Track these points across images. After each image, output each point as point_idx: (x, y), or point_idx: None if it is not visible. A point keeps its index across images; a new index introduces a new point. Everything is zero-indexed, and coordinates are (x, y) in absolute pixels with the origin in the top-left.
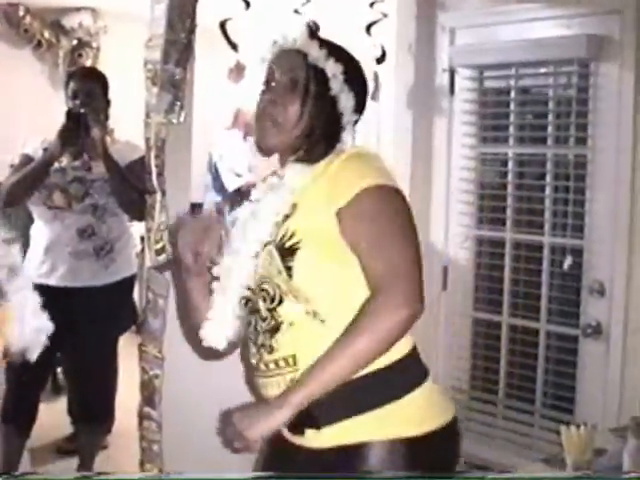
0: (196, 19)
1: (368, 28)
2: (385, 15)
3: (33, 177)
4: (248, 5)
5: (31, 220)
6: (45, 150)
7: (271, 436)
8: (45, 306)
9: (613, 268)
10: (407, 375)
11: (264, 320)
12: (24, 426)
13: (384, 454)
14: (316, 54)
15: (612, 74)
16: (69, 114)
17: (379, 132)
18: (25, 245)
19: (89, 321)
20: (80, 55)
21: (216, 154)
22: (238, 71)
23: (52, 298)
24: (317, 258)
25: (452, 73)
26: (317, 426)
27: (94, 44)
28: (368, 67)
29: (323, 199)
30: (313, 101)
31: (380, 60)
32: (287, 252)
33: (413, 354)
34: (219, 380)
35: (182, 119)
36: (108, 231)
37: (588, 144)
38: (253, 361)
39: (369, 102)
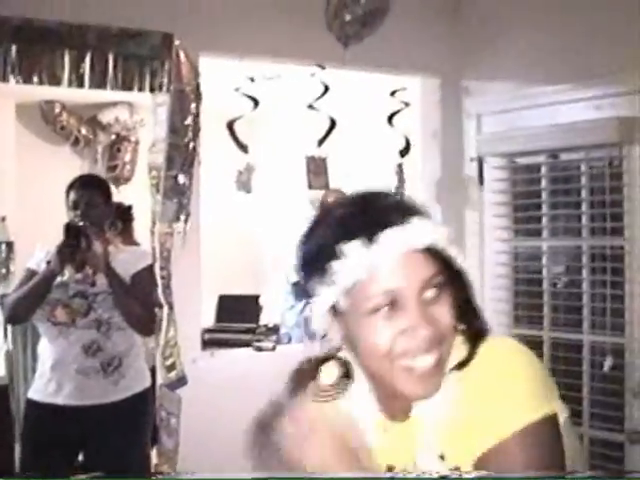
0: (200, 122)
1: (390, 119)
2: (407, 104)
3: (34, 294)
4: (257, 104)
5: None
6: (48, 263)
7: None
8: (55, 426)
9: None
10: None
11: None
12: None
13: None
14: (441, 239)
15: None
16: (68, 228)
17: None
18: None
19: (102, 440)
20: (119, 150)
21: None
22: (248, 173)
23: (61, 418)
24: None
25: (481, 162)
26: None
27: (132, 138)
28: (392, 160)
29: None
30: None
31: (404, 152)
32: None
33: None
34: None
35: (188, 228)
36: (115, 346)
37: (625, 234)
38: None
39: None
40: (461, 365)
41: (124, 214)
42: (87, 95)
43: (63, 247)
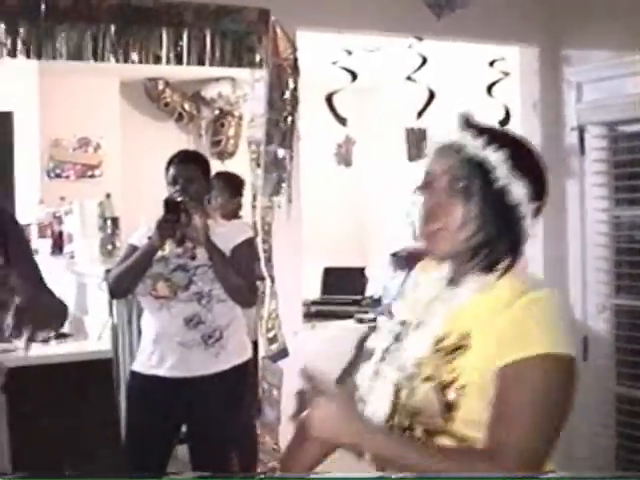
0: (298, 96)
1: (489, 89)
2: (507, 74)
3: (135, 269)
4: (355, 77)
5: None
6: (149, 239)
7: None
8: (157, 398)
9: None
10: None
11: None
12: None
13: None
14: (472, 144)
15: None
16: (167, 204)
17: None
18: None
19: (206, 410)
20: (222, 125)
21: None
22: (347, 146)
23: (165, 389)
24: (478, 404)
25: (581, 132)
26: None
27: (236, 113)
28: None
29: (495, 345)
30: (477, 198)
31: (504, 122)
32: (450, 392)
33: None
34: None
35: (289, 201)
36: (216, 318)
37: None
38: None
39: None
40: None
41: (232, 185)
42: (190, 71)
43: (163, 222)
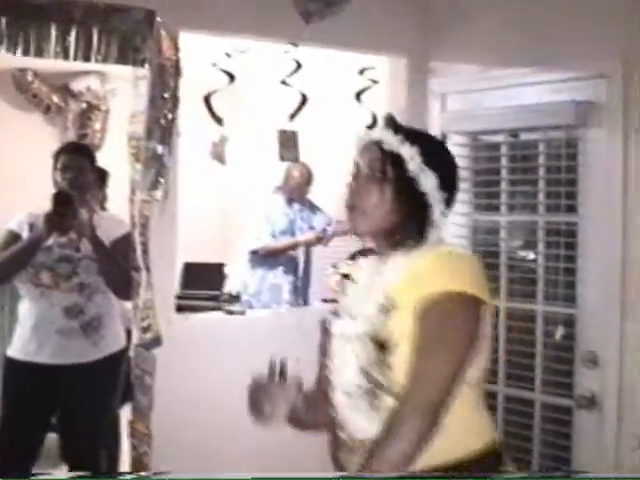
0: (179, 95)
1: (358, 95)
2: (375, 82)
3: (20, 257)
4: (232, 78)
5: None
6: (31, 227)
7: None
8: (33, 382)
9: (606, 338)
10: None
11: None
12: None
13: None
14: (390, 140)
15: (600, 140)
16: (56, 197)
17: None
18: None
19: (80, 396)
20: (89, 118)
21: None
22: (222, 145)
23: (40, 376)
24: (410, 354)
25: (444, 139)
26: None
27: (103, 107)
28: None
29: (414, 298)
30: (392, 185)
31: (371, 127)
32: (386, 349)
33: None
34: (210, 461)
35: (166, 196)
36: (95, 308)
37: (578, 212)
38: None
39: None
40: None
41: (103, 180)
42: (59, 64)
43: (52, 214)
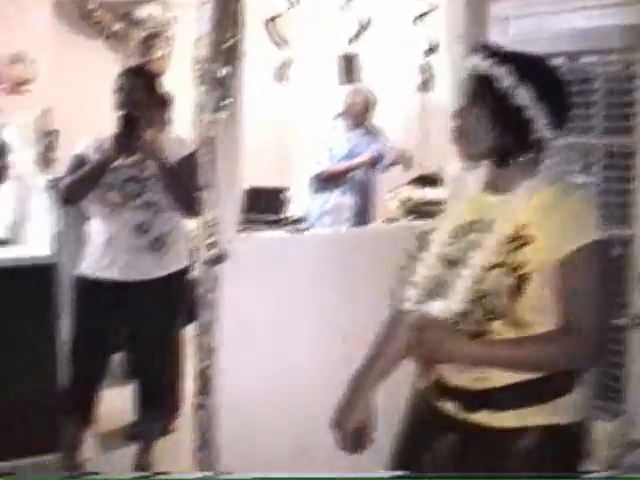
0: (244, 17)
1: (417, 20)
2: (435, 6)
3: (90, 179)
4: (294, 3)
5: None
6: (99, 151)
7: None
8: (103, 299)
9: None
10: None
11: (470, 324)
12: (82, 417)
13: (538, 436)
14: (485, 65)
15: None
16: (122, 118)
17: (428, 125)
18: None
19: (146, 313)
20: (152, 45)
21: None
22: (285, 68)
23: (110, 292)
24: (538, 292)
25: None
26: (495, 409)
27: (165, 34)
28: (419, 59)
29: (554, 238)
30: (490, 106)
31: (429, 52)
32: (518, 278)
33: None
34: (273, 373)
35: (231, 117)
36: (162, 226)
37: (635, 135)
38: None
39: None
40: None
41: (167, 104)
42: None
43: (119, 136)
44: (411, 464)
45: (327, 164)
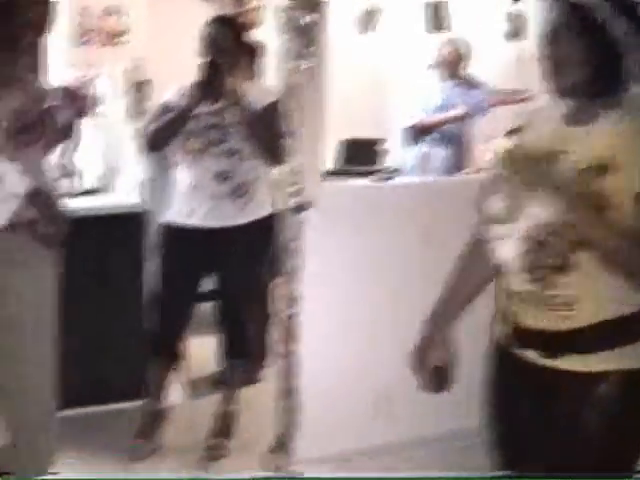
0: None
1: None
2: None
3: (172, 125)
4: None
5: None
6: (182, 98)
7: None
8: (187, 245)
9: None
10: None
11: (551, 257)
12: (168, 359)
13: (620, 381)
14: None
15: None
16: (204, 65)
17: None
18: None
19: (230, 260)
20: None
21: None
22: (371, 15)
23: (194, 237)
24: (622, 218)
25: None
26: (579, 351)
27: None
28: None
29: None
30: (583, 37)
31: None
32: (602, 203)
33: None
34: (356, 320)
35: (315, 65)
36: (244, 173)
37: None
38: (517, 288)
39: None
40: None
41: (255, 51)
42: None
43: (201, 83)
44: (498, 417)
45: (421, 115)
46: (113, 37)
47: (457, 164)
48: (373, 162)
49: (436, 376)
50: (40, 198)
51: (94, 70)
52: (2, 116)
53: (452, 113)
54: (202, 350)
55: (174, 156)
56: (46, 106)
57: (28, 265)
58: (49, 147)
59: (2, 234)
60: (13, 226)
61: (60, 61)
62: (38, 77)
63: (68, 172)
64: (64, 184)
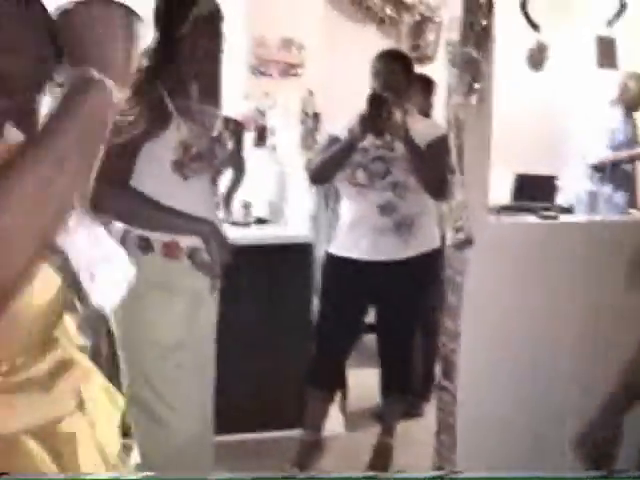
0: (493, 1)
1: None
2: None
3: (337, 158)
4: None
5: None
6: (348, 131)
7: None
8: (350, 278)
9: None
10: None
11: None
12: (328, 390)
13: None
14: None
15: None
16: (371, 98)
17: None
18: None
19: (393, 294)
20: (422, 30)
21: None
22: (539, 52)
23: (356, 271)
24: None
25: None
26: None
27: (436, 19)
28: None
29: None
30: None
31: None
32: None
33: None
34: (516, 363)
35: (481, 101)
36: (408, 207)
37: None
38: None
39: None
40: None
41: (426, 86)
42: None
43: (366, 116)
44: None
45: (604, 152)
46: (289, 69)
47: (628, 203)
48: (548, 199)
49: (599, 454)
50: (204, 227)
51: (269, 101)
52: (174, 145)
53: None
54: (363, 382)
55: (339, 188)
56: (216, 135)
57: (188, 292)
58: (218, 176)
59: (163, 260)
60: (173, 252)
61: (236, 91)
62: (212, 107)
63: (244, 203)
64: (233, 213)
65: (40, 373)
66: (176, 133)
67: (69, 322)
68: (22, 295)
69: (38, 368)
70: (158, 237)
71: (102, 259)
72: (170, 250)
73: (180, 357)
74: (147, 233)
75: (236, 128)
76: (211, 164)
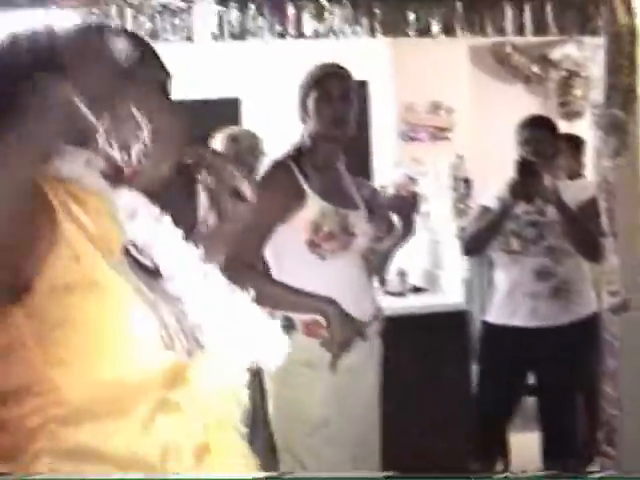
0: (637, 60)
1: None
2: None
3: (490, 228)
4: None
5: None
6: (499, 200)
7: None
8: (508, 345)
9: None
10: None
11: None
12: (489, 454)
13: None
14: None
15: None
16: (520, 165)
17: None
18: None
19: (552, 360)
20: (570, 86)
21: None
22: None
23: (514, 338)
24: None
25: None
26: None
27: (582, 74)
28: None
29: None
30: None
31: None
32: None
33: None
34: None
35: (629, 163)
36: (565, 271)
37: None
38: None
39: None
40: None
41: (575, 146)
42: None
43: (516, 183)
44: None
45: None
46: (439, 132)
47: None
48: None
49: None
50: (326, 306)
51: (420, 167)
52: (299, 226)
53: None
54: (524, 446)
55: (493, 257)
56: (362, 211)
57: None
58: (370, 254)
59: (306, 339)
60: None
61: (386, 159)
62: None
63: (399, 272)
64: (389, 283)
65: None
66: (308, 213)
67: None
68: None
69: None
70: (299, 316)
71: None
72: (312, 329)
73: (327, 433)
74: (289, 313)
75: (396, 199)
76: (346, 244)
